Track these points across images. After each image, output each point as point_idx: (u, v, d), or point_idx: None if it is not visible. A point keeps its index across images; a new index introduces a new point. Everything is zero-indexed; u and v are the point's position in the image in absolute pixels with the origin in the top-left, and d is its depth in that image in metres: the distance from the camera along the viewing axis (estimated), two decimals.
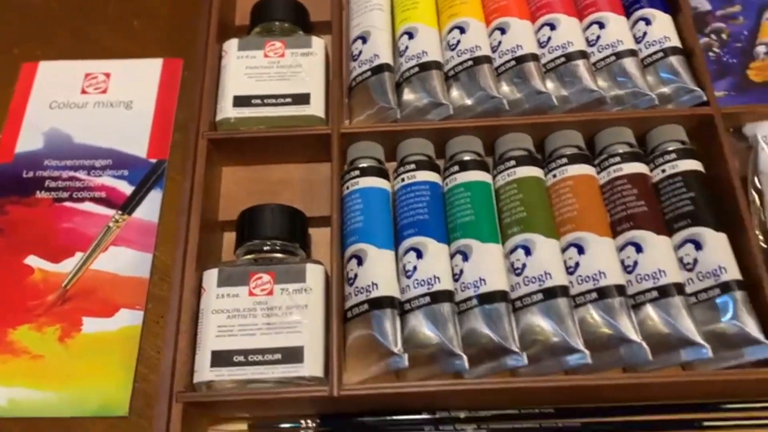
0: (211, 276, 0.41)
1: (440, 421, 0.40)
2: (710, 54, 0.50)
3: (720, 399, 0.40)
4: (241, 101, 0.46)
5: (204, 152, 0.44)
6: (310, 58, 0.48)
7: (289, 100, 0.46)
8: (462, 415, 0.40)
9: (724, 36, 0.50)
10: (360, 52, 0.48)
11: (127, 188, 0.50)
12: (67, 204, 0.49)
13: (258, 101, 0.46)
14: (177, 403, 0.37)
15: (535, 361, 0.39)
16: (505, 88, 0.47)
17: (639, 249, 0.41)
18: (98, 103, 0.53)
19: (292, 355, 0.38)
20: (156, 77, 0.54)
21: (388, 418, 0.40)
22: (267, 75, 0.47)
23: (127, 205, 0.49)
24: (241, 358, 0.38)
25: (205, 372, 0.38)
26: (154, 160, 0.50)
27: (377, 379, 0.39)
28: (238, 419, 0.41)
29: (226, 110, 0.46)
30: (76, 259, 0.47)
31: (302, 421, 0.41)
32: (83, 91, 0.53)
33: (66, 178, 0.50)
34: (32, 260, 0.47)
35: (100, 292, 0.46)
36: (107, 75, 0.54)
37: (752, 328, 0.38)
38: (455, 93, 0.47)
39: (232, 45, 0.48)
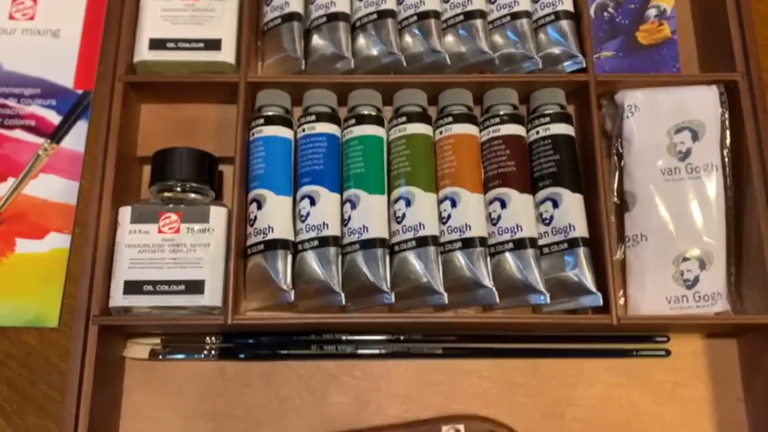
0: (125, 213, 0.46)
1: (324, 341, 0.47)
2: (605, 14, 0.53)
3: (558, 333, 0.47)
4: (156, 44, 0.49)
5: (120, 94, 0.48)
6: (224, 2, 0.50)
7: (201, 45, 0.49)
8: (344, 337, 0.48)
9: None
10: None
11: (55, 117, 0.53)
12: None
13: (172, 45, 0.49)
14: (93, 325, 0.43)
15: (407, 297, 0.46)
16: (408, 40, 0.50)
17: (503, 205, 0.46)
18: (26, 30, 0.55)
19: (195, 286, 0.44)
20: (82, 4, 0.56)
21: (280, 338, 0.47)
22: (182, 18, 0.50)
23: (56, 135, 0.53)
24: (150, 288, 0.44)
25: (119, 298, 0.44)
26: (80, 91, 0.54)
27: (272, 308, 0.46)
28: (154, 335, 0.48)
29: (143, 53, 0.49)
30: (8, 184, 0.52)
31: (207, 338, 0.48)
32: (11, 17, 0.55)
33: None
34: None
35: (32, 216, 0.51)
36: (34, 0, 0.56)
37: (588, 280, 0.45)
38: (362, 41, 0.50)
39: None
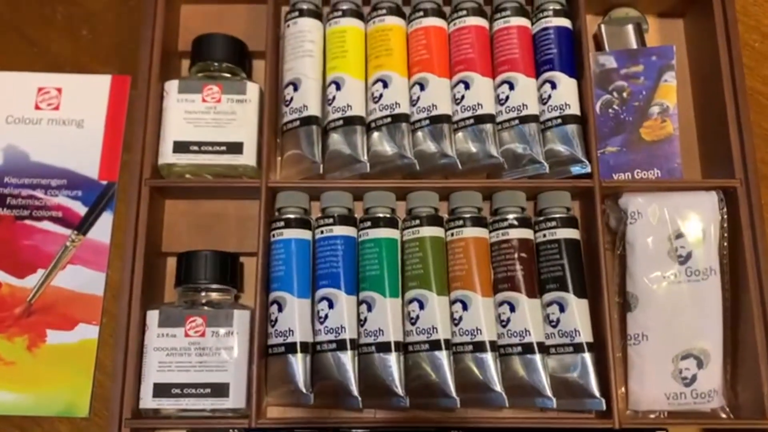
0: (153, 316, 0.48)
1: None
2: (610, 111, 0.55)
3: None
4: (180, 147, 0.51)
5: (147, 196, 0.50)
6: (245, 105, 0.52)
7: (223, 148, 0.51)
8: None
9: (625, 94, 0.55)
10: (291, 99, 0.53)
11: (81, 209, 0.55)
12: (28, 222, 0.55)
13: (195, 148, 0.51)
14: (125, 428, 0.46)
15: (420, 396, 0.48)
16: (420, 140, 0.52)
17: (512, 308, 0.49)
18: (51, 120, 0.57)
19: (220, 390, 0.47)
20: (105, 95, 0.58)
21: None
22: (204, 121, 0.52)
23: (82, 226, 0.55)
24: (178, 391, 0.47)
25: (148, 401, 0.47)
26: (105, 182, 0.56)
27: (293, 408, 0.49)
28: (182, 427, 0.50)
29: (167, 155, 0.51)
30: (38, 275, 0.54)
31: (230, 430, 0.50)
32: (37, 107, 0.57)
33: (25, 196, 0.55)
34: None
35: (61, 307, 0.53)
36: (59, 90, 0.58)
37: (592, 385, 0.47)
38: (376, 139, 0.52)
39: (172, 86, 0.52)
